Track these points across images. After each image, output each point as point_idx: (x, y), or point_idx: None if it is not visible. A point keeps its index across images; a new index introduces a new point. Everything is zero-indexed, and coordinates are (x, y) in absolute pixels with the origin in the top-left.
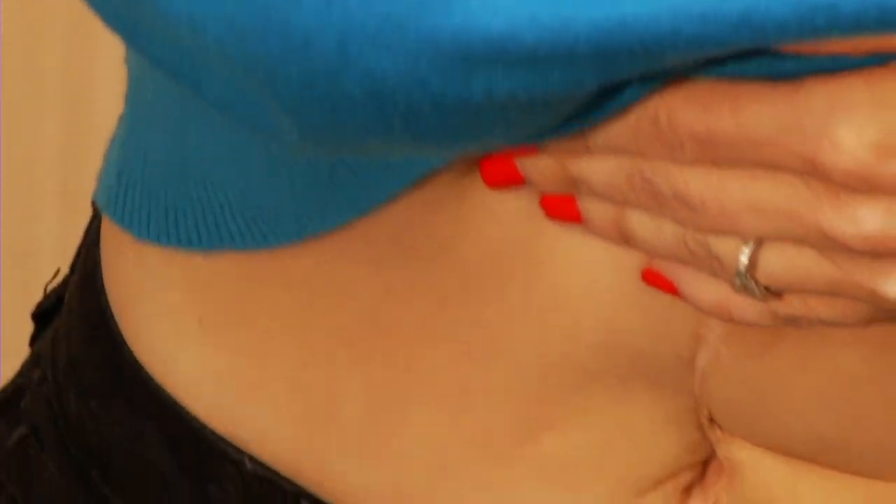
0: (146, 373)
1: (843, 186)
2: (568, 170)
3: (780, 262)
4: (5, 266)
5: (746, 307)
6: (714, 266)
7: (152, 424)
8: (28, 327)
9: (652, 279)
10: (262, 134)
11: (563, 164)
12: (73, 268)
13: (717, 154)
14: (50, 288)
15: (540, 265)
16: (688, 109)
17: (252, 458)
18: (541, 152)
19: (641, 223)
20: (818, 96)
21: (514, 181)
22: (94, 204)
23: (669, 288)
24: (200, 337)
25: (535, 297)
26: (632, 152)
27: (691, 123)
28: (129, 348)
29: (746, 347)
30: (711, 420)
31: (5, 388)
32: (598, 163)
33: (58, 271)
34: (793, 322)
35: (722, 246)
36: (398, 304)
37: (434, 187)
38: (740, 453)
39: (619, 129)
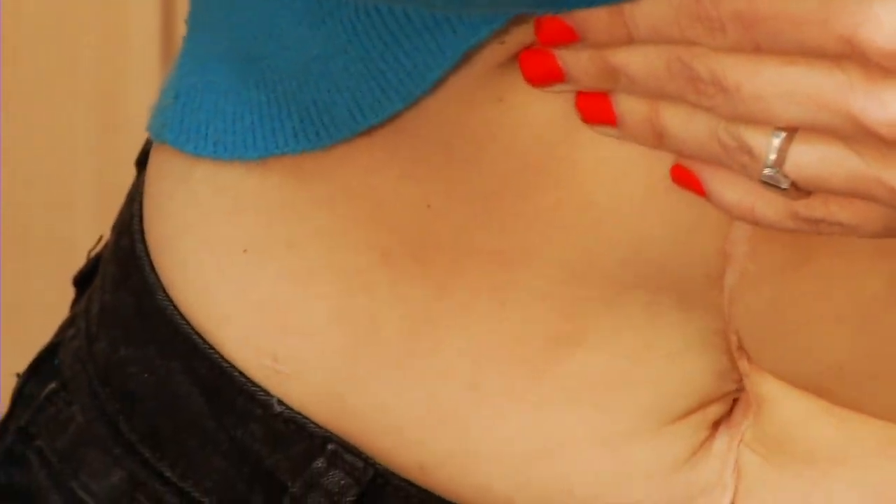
0: (178, 315)
1: (878, 69)
2: (608, 60)
3: (808, 155)
4: (41, 265)
5: (769, 207)
6: (743, 158)
7: (181, 366)
8: (34, 322)
9: (680, 177)
10: None
11: (602, 54)
12: (114, 228)
13: (758, 35)
14: (93, 254)
15: (570, 172)
16: None
17: (280, 402)
18: (581, 44)
19: (675, 117)
20: None
21: (553, 76)
22: (137, 162)
23: (696, 186)
24: (244, 266)
25: (564, 204)
26: (672, 37)
27: (735, 1)
28: (162, 291)
29: (773, 265)
30: (741, 347)
31: (42, 349)
32: (638, 49)
33: (100, 238)
34: (812, 226)
35: (753, 136)
36: (436, 218)
37: (471, 86)
38: (766, 388)
39: (661, 11)
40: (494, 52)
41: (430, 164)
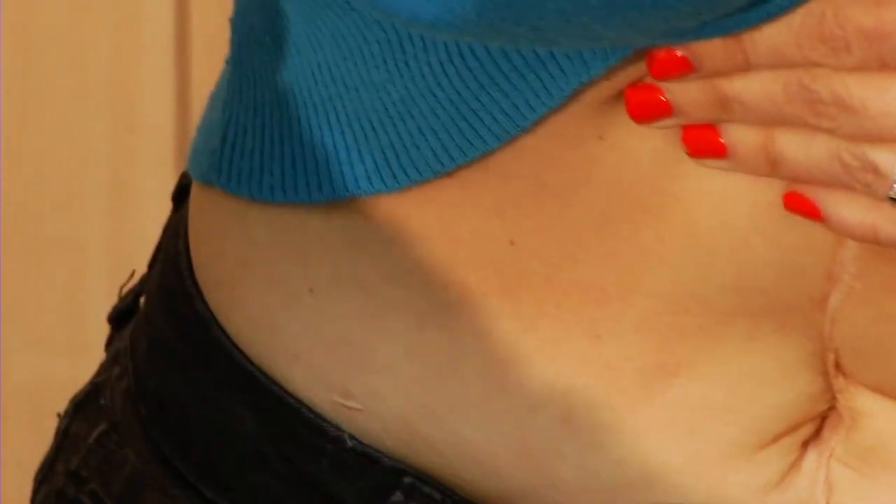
0: (238, 350)
1: None
2: (721, 89)
3: None
4: (53, 264)
5: (892, 225)
6: (868, 178)
7: (242, 402)
8: (43, 322)
9: (794, 203)
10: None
11: (715, 83)
12: (151, 264)
13: (884, 51)
14: (125, 290)
15: (673, 206)
16: (858, 3)
17: (353, 436)
18: (695, 75)
19: (792, 142)
20: None
21: (660, 111)
22: (174, 197)
23: (812, 211)
24: (311, 306)
25: (667, 238)
26: (793, 59)
27: (860, 18)
28: (219, 327)
29: (879, 283)
30: (837, 366)
31: (83, 389)
32: (753, 76)
33: (132, 273)
34: None
35: (879, 154)
36: (523, 255)
37: (570, 124)
38: (861, 401)
39: (781, 34)
40: (599, 89)
41: (518, 203)
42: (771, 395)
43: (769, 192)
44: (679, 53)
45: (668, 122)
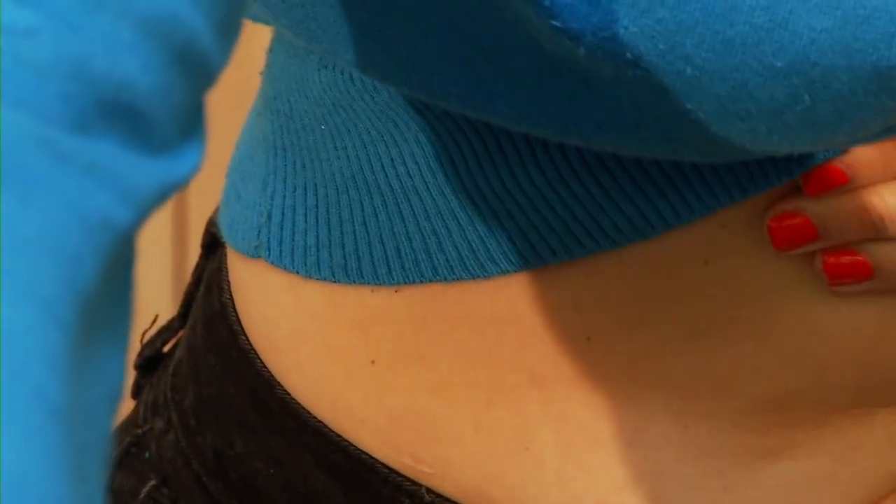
0: (304, 408)
1: None
2: (874, 208)
3: None
4: None
5: None
6: None
7: (314, 459)
8: None
9: None
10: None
11: (866, 203)
12: (183, 312)
13: None
14: (147, 336)
15: (775, 322)
16: None
17: (430, 490)
18: (846, 187)
19: None
20: None
21: (807, 236)
22: (203, 245)
23: None
24: (373, 377)
25: (766, 351)
26: None
27: None
28: (280, 388)
29: None
30: None
31: (121, 440)
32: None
33: (156, 318)
34: None
35: None
36: (599, 351)
37: (682, 243)
38: None
39: None
40: (717, 215)
41: (602, 303)
42: (881, 464)
43: (871, 320)
44: (835, 166)
45: (812, 246)
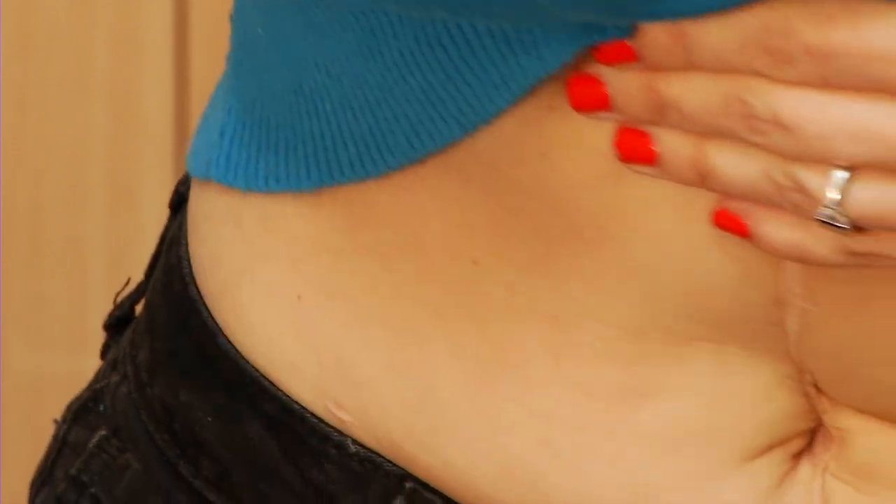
0: (243, 359)
1: None
2: (659, 92)
3: (869, 194)
4: (53, 262)
5: (818, 244)
6: (797, 198)
7: (250, 409)
8: (44, 322)
9: (723, 220)
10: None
11: (655, 84)
12: (148, 272)
13: (827, 70)
14: (120, 298)
15: (609, 238)
16: (807, 18)
17: (355, 441)
18: (637, 64)
19: (723, 156)
20: None
21: (600, 103)
22: (171, 205)
23: (741, 229)
24: (301, 315)
25: (616, 266)
26: (734, 65)
27: (807, 33)
28: (223, 337)
29: (835, 305)
30: (816, 387)
31: (80, 396)
32: (692, 81)
33: (128, 281)
34: (862, 259)
35: (809, 175)
36: (485, 277)
37: (519, 136)
38: (847, 422)
39: (727, 37)
40: (540, 99)
41: (478, 216)
42: (752, 413)
43: (706, 224)
44: (625, 42)
45: (606, 115)
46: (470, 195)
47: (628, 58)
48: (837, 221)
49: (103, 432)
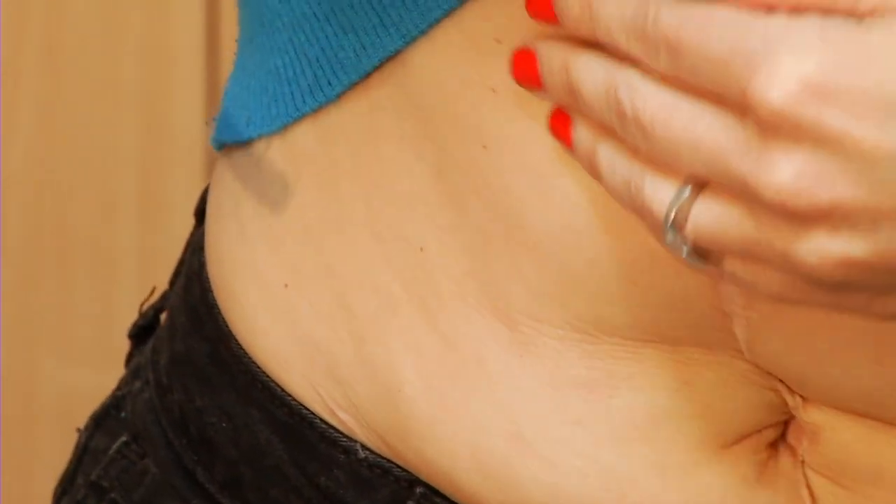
0: (254, 362)
1: (770, 127)
2: (570, 73)
3: (706, 216)
4: (80, 273)
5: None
6: (644, 213)
7: (260, 414)
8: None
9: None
10: None
11: (567, 66)
12: (173, 280)
13: (681, 67)
14: (146, 306)
15: (556, 235)
16: (671, 11)
17: (365, 446)
18: (558, 28)
19: (608, 156)
20: (775, 24)
21: (533, 81)
22: (196, 213)
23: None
24: (286, 304)
25: (561, 271)
26: (622, 49)
27: (668, 27)
28: (234, 339)
29: (774, 310)
30: (782, 383)
31: (103, 403)
32: (592, 66)
33: (153, 290)
34: (725, 277)
35: (654, 184)
36: (432, 266)
37: (456, 129)
38: (817, 416)
39: (616, 17)
40: (482, 97)
41: (426, 204)
42: (720, 402)
43: (646, 242)
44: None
45: (542, 96)
46: (417, 183)
47: (549, 17)
48: (678, 247)
49: (124, 438)
